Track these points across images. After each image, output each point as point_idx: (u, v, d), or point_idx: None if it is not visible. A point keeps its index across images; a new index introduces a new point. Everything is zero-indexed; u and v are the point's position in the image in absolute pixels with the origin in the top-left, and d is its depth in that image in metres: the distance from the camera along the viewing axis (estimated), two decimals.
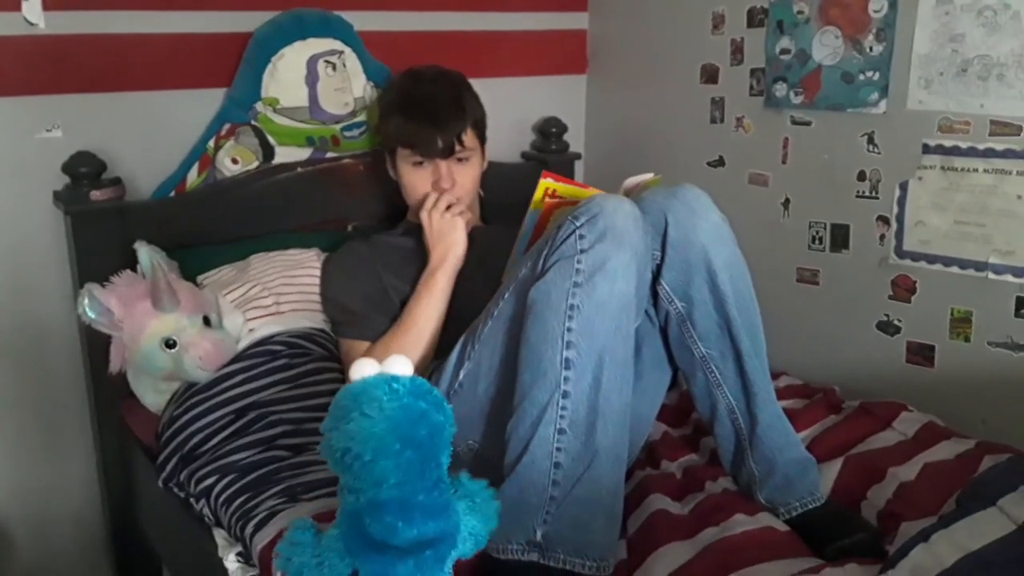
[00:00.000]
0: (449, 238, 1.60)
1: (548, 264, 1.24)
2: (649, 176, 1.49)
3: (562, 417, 1.19)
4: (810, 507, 1.34)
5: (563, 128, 2.29)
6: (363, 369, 0.98)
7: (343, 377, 1.60)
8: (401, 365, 0.98)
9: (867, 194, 1.82)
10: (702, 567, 1.20)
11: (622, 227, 1.22)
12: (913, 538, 1.16)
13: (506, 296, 1.33)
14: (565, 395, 1.19)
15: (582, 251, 1.21)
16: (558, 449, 1.19)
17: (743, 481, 1.40)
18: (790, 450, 1.37)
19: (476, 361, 1.36)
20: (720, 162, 2.10)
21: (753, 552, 1.22)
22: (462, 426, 1.37)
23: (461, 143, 1.66)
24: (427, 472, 0.97)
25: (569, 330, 1.20)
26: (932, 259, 1.73)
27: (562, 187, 1.46)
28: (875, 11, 1.75)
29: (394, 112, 1.69)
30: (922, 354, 1.77)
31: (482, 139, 1.75)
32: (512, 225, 1.62)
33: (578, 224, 1.23)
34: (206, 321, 1.54)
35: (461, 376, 1.38)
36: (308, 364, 1.58)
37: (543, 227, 1.47)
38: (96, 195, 1.67)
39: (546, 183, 1.46)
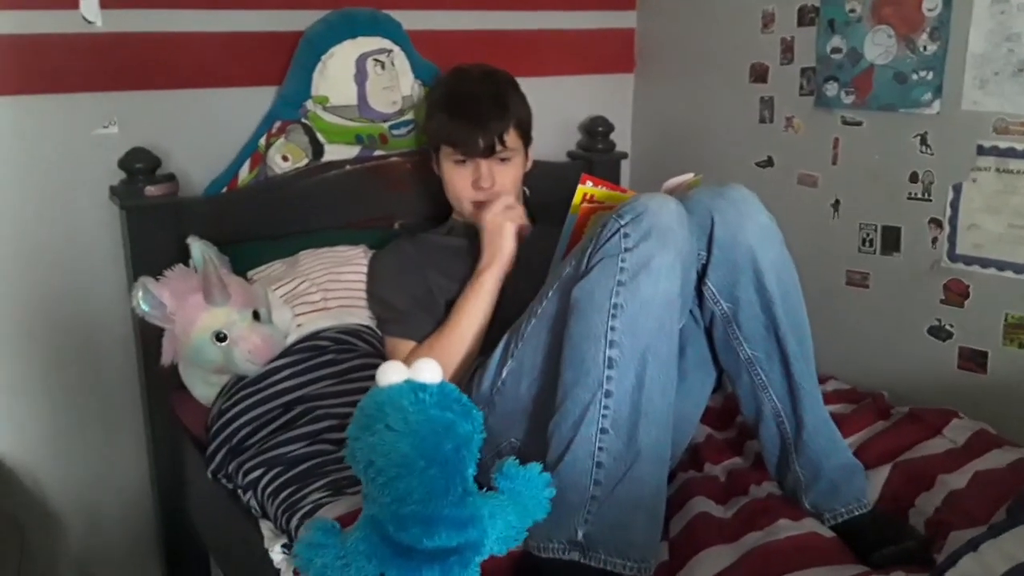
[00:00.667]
0: (497, 241, 1.60)
1: (592, 263, 1.24)
2: (690, 176, 1.48)
3: (604, 416, 1.19)
4: (856, 514, 1.32)
5: (610, 127, 2.28)
6: (390, 375, 0.96)
7: None
8: (430, 371, 0.97)
9: (919, 196, 1.79)
10: (744, 572, 1.19)
11: (667, 226, 1.21)
12: (962, 547, 1.14)
13: (549, 295, 1.33)
14: (608, 394, 1.19)
15: (626, 250, 1.21)
16: (600, 449, 1.19)
17: (788, 486, 1.38)
18: (837, 455, 1.35)
19: (519, 359, 1.37)
20: (769, 162, 2.08)
21: (797, 558, 1.21)
22: (504, 424, 1.40)
23: (503, 143, 1.66)
24: (452, 487, 0.95)
25: (612, 329, 1.20)
26: (986, 263, 1.69)
27: (600, 191, 1.46)
28: (929, 10, 1.72)
29: (438, 110, 1.71)
30: (974, 360, 1.73)
31: (526, 139, 1.75)
32: (558, 224, 1.61)
33: (623, 223, 1.22)
34: (256, 316, 1.56)
35: (504, 374, 1.39)
36: (354, 360, 1.59)
37: (580, 231, 1.47)
38: (151, 191, 1.70)
39: (584, 188, 1.46)
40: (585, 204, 1.46)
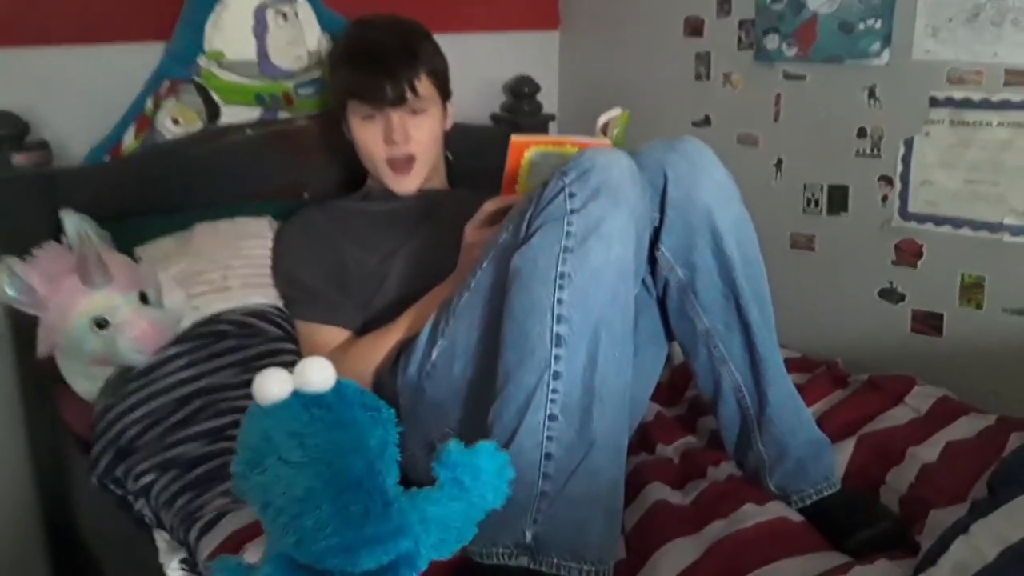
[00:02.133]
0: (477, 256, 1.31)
1: (533, 227, 1.09)
2: (618, 111, 1.35)
3: (553, 401, 1.05)
4: (826, 494, 1.21)
5: (536, 87, 2.13)
6: (270, 388, 0.79)
7: (298, 361, 1.44)
8: (319, 373, 0.80)
9: (868, 152, 1.69)
10: (713, 567, 1.06)
11: (617, 183, 1.07)
12: (951, 530, 1.04)
13: (484, 264, 1.18)
14: (556, 376, 1.05)
15: (573, 211, 1.06)
16: (549, 438, 1.05)
17: (750, 466, 1.26)
18: (803, 431, 1.23)
19: (451, 338, 1.21)
20: (706, 121, 1.96)
21: (768, 548, 1.09)
22: (436, 412, 1.24)
23: (414, 91, 1.50)
24: (371, 507, 0.79)
25: (559, 302, 1.05)
26: (940, 221, 1.61)
27: (536, 139, 1.29)
28: None
29: (342, 63, 1.55)
30: (929, 323, 1.65)
31: (442, 91, 1.59)
32: (481, 190, 1.45)
33: (567, 180, 1.07)
34: (143, 298, 1.37)
35: (434, 355, 1.23)
36: (260, 346, 1.41)
37: (514, 172, 1.29)
38: (19, 159, 1.50)
39: (517, 139, 1.28)
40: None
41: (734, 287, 1.19)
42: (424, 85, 1.52)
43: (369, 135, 1.53)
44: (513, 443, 1.05)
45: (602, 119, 1.31)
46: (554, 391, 1.05)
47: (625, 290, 1.08)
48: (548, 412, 1.04)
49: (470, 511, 0.89)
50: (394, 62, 1.48)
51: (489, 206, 1.31)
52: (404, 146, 1.52)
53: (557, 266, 1.05)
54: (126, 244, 1.52)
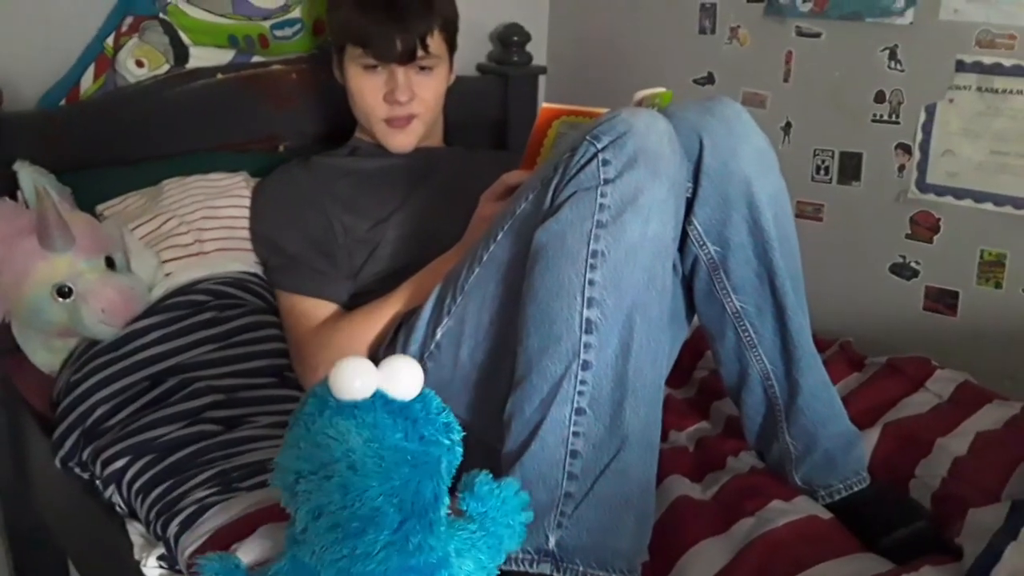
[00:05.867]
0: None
1: (561, 198, 0.98)
2: (661, 89, 1.23)
3: (581, 394, 0.95)
4: (855, 489, 1.13)
5: (526, 37, 2.00)
6: (350, 382, 0.71)
7: (282, 335, 1.32)
8: (408, 378, 0.73)
9: (886, 118, 1.60)
10: (746, 572, 0.98)
11: (656, 150, 0.96)
12: (1000, 536, 0.97)
13: (499, 237, 1.06)
14: (585, 366, 0.95)
15: (607, 181, 0.95)
16: (575, 434, 0.95)
17: (773, 458, 1.18)
18: (835, 423, 1.15)
19: (459, 317, 1.10)
20: (709, 79, 1.85)
21: (801, 550, 1.02)
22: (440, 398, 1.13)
23: (425, 48, 1.37)
24: (427, 538, 0.73)
25: (591, 283, 0.94)
26: (961, 194, 1.53)
27: (569, 111, 1.18)
28: None
29: (345, 1, 1.39)
30: (943, 301, 1.58)
31: (451, 46, 1.47)
32: (476, 148, 1.35)
33: (600, 146, 0.96)
34: (109, 263, 1.25)
35: (438, 335, 1.12)
36: (242, 318, 1.30)
37: (539, 142, 1.18)
38: None
39: (549, 108, 1.17)
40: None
41: (770, 266, 1.10)
42: (436, 41, 1.39)
43: (368, 88, 1.40)
44: (535, 439, 0.95)
45: (639, 95, 1.19)
46: (582, 382, 0.95)
47: (662, 271, 0.98)
48: (575, 406, 0.95)
49: (495, 553, 0.82)
50: (408, 11, 1.35)
51: (511, 179, 1.19)
52: (408, 106, 1.40)
53: (589, 243, 0.94)
54: (87, 201, 1.42)
